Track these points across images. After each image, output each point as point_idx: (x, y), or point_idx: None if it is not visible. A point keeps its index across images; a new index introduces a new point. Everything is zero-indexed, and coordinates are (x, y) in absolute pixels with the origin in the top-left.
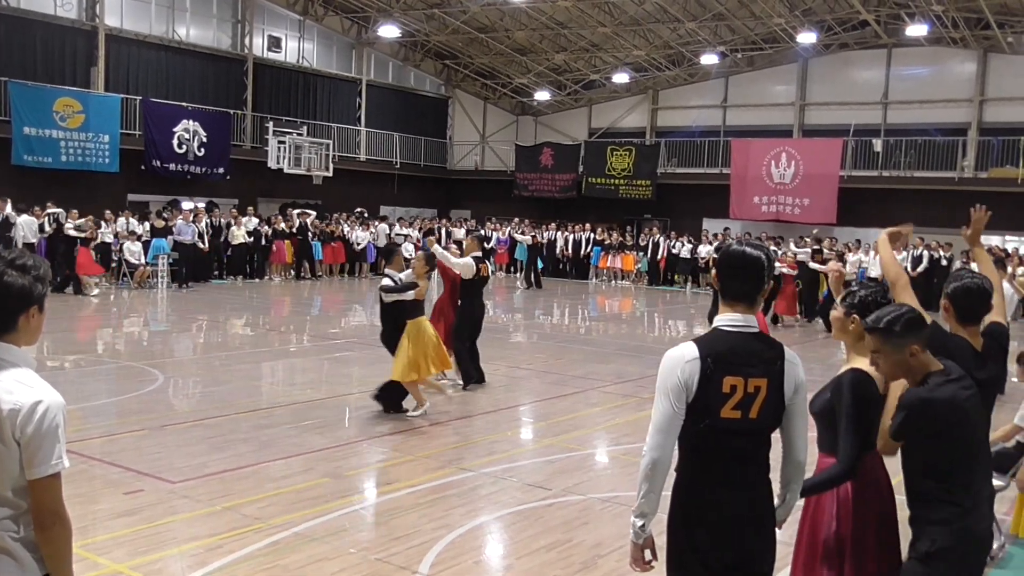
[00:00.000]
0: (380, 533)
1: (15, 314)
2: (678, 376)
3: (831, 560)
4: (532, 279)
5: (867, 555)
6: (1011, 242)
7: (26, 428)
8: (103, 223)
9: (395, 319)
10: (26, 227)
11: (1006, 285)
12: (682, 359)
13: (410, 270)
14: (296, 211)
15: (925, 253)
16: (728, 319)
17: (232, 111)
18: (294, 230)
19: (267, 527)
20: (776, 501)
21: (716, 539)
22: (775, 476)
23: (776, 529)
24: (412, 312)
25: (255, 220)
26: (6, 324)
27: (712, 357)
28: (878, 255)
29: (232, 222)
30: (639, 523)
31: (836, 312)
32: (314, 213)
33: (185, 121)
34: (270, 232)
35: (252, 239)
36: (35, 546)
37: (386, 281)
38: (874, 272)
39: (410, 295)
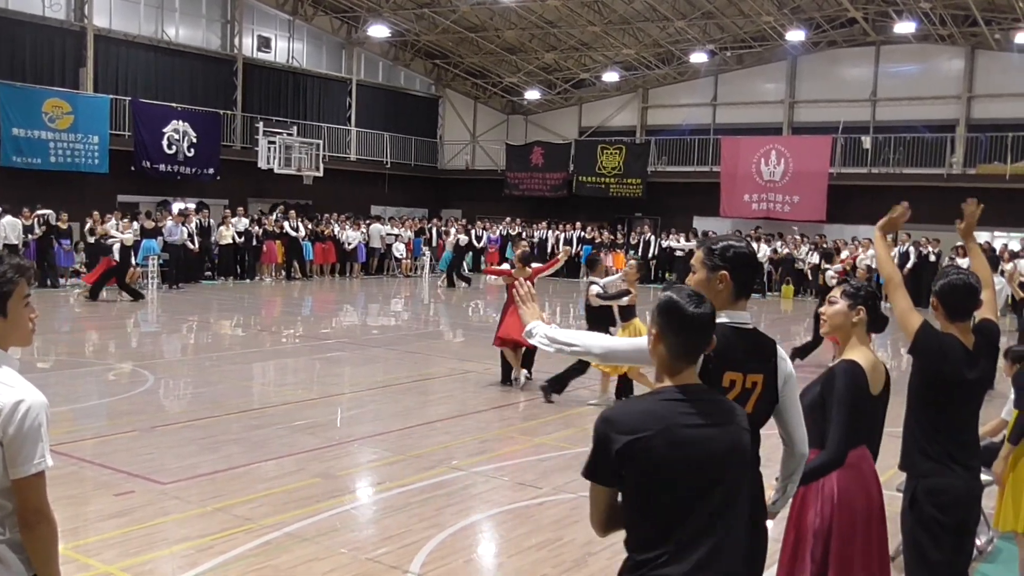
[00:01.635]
0: (371, 533)
1: None
2: None
3: (815, 556)
4: (455, 277)
5: (853, 551)
6: (1000, 238)
7: (8, 428)
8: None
9: (603, 322)
10: (8, 229)
11: (997, 279)
12: None
13: (617, 276)
14: (279, 213)
15: (912, 249)
16: (725, 316)
17: (222, 111)
18: (283, 231)
19: (258, 527)
20: (774, 494)
21: None
22: (766, 471)
23: (768, 523)
24: (626, 315)
25: (245, 220)
26: None
27: (714, 352)
28: (871, 251)
29: (221, 222)
30: (537, 328)
31: (837, 307)
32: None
33: (175, 122)
34: (261, 232)
35: (243, 239)
36: (21, 547)
37: (595, 288)
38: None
39: (624, 301)
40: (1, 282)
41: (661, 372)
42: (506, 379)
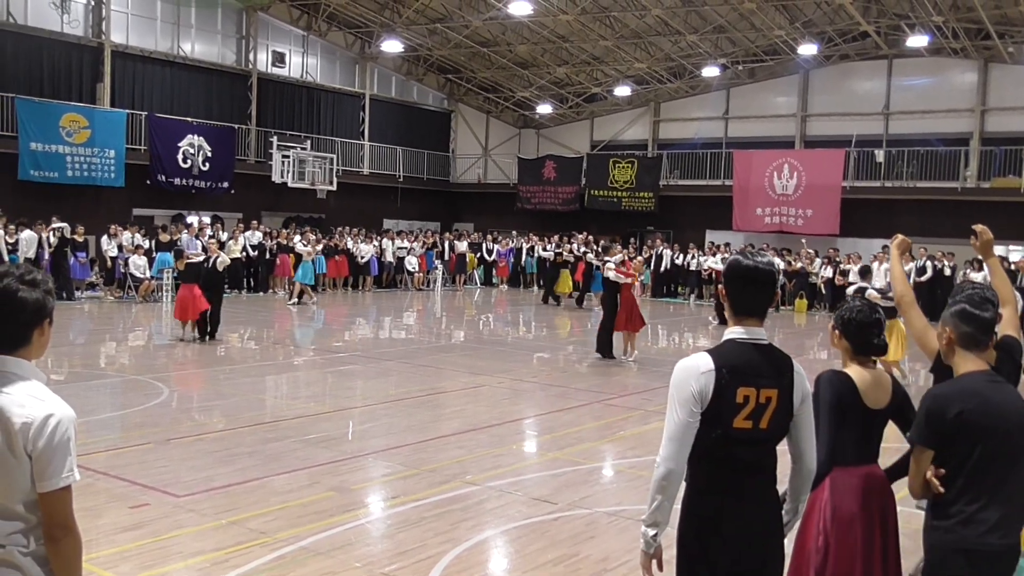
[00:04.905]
0: (386, 547)
1: (31, 328)
2: (692, 386)
3: (819, 572)
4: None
5: (853, 568)
6: (1015, 252)
7: (37, 441)
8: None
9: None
10: (28, 243)
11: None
12: (697, 370)
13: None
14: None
15: (928, 263)
16: (740, 331)
17: (236, 126)
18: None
19: (273, 541)
20: (785, 513)
21: (727, 548)
22: (781, 487)
23: (784, 538)
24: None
25: (259, 234)
26: (22, 339)
27: (727, 368)
28: (886, 265)
29: (231, 236)
30: (651, 533)
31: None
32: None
33: (190, 136)
34: (274, 246)
35: (256, 252)
36: (45, 560)
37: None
38: (879, 283)
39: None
40: (52, 291)
41: (949, 359)
42: (608, 355)
